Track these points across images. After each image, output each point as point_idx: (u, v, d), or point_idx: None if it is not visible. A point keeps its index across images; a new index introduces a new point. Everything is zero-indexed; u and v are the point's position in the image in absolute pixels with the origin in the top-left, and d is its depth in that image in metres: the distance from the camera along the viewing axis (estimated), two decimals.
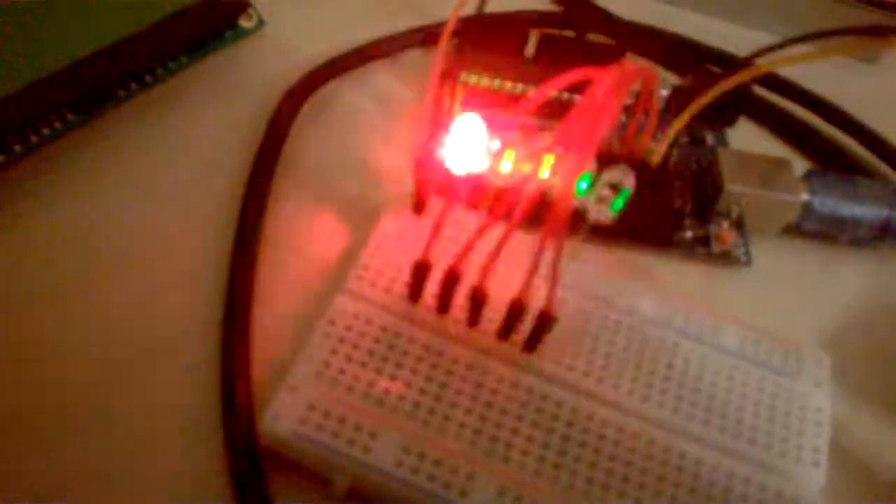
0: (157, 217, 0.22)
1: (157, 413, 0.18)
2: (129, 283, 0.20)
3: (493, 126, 0.19)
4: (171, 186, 0.23)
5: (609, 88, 0.16)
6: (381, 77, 0.27)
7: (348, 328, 0.19)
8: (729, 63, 0.28)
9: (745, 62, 0.25)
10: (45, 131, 0.22)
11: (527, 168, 0.18)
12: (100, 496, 0.17)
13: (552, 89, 0.17)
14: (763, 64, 0.24)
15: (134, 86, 0.24)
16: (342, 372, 0.18)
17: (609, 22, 0.29)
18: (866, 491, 0.19)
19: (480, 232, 0.17)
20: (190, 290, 0.20)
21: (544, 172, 0.19)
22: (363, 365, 0.18)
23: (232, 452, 0.18)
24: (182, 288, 0.20)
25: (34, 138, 0.22)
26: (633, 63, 0.17)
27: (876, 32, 0.27)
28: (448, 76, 0.24)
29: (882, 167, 0.27)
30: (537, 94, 0.16)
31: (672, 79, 0.27)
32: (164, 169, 0.23)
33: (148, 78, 0.24)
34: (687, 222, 0.23)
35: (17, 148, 0.22)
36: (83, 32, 0.22)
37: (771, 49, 0.26)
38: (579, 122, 0.16)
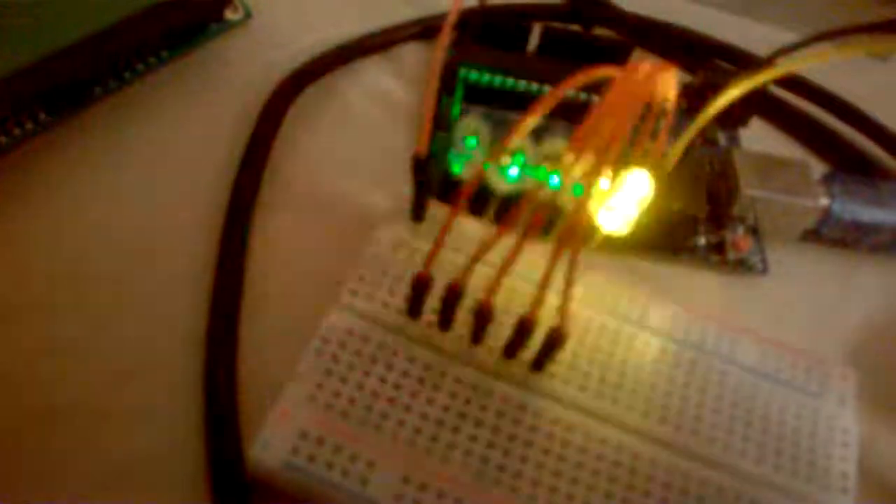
0: (137, 223, 0.20)
1: (135, 441, 0.17)
2: (103, 296, 0.19)
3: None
4: (152, 190, 0.21)
5: (631, 89, 0.14)
6: (375, 72, 0.25)
7: (343, 346, 0.17)
8: (740, 59, 0.27)
9: (765, 62, 0.24)
10: (17, 132, 0.21)
11: (539, 174, 0.17)
12: None
13: (565, 91, 0.15)
14: (782, 64, 0.23)
15: (112, 82, 0.22)
16: (337, 395, 0.17)
17: (616, 16, 0.27)
18: None
19: (487, 245, 0.16)
20: (170, 304, 0.19)
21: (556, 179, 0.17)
22: (359, 387, 0.17)
23: (217, 484, 0.16)
24: (162, 303, 0.19)
25: (4, 139, 0.20)
26: (649, 61, 0.16)
27: (892, 28, 0.26)
28: (448, 72, 0.23)
29: None
30: (551, 94, 0.15)
31: (682, 76, 0.26)
32: (144, 172, 0.21)
33: (127, 74, 0.23)
34: (700, 228, 0.22)
35: None
36: (56, 24, 0.21)
37: (788, 49, 0.25)
38: (599, 124, 0.14)
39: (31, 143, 0.21)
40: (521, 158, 0.17)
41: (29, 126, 0.21)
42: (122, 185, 0.21)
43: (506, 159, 0.17)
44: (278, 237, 0.20)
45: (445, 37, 0.18)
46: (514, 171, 0.18)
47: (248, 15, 0.25)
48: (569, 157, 0.15)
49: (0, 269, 0.19)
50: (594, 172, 0.15)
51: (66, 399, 0.17)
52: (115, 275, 0.19)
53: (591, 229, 0.18)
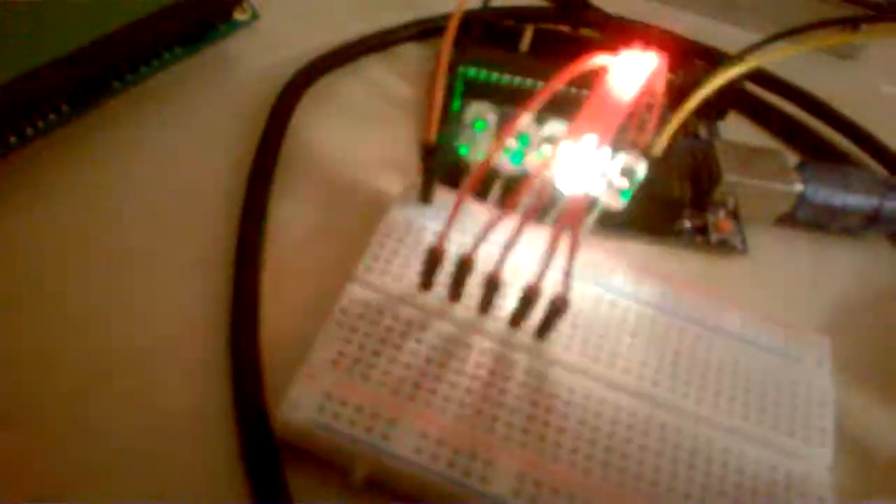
0: (157, 210, 0.21)
1: (167, 409, 0.18)
2: (131, 278, 0.20)
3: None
4: (171, 179, 0.22)
5: (625, 76, 0.16)
6: (377, 70, 0.27)
7: (361, 317, 0.19)
8: (715, 58, 0.29)
9: (737, 58, 0.26)
10: (40, 123, 0.22)
11: (540, 157, 0.18)
12: (108, 495, 0.17)
13: (565, 78, 0.17)
14: (752, 59, 0.25)
15: (128, 77, 0.23)
16: (357, 361, 0.18)
17: (601, 18, 0.29)
18: (871, 470, 0.20)
19: (494, 222, 0.17)
20: (195, 283, 0.20)
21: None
22: (377, 353, 0.18)
23: (247, 445, 0.17)
24: (186, 282, 0.20)
25: (29, 130, 0.21)
26: (640, 52, 0.17)
27: (848, 23, 0.28)
28: (448, 68, 0.24)
29: (864, 158, 0.27)
30: (551, 84, 0.17)
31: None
32: (162, 161, 0.23)
33: (143, 69, 0.24)
34: (685, 212, 0.24)
35: (13, 139, 0.21)
36: (78, 22, 0.22)
37: (759, 45, 0.27)
38: (596, 110, 0.16)
39: (52, 136, 0.22)
40: (525, 141, 0.18)
41: (53, 117, 0.22)
42: (141, 174, 0.22)
43: (511, 143, 0.18)
44: (296, 220, 0.22)
45: (452, 33, 0.20)
46: (517, 155, 0.19)
47: (255, 16, 0.26)
48: (570, 139, 0.16)
49: (27, 252, 0.20)
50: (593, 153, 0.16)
51: (98, 372, 0.18)
52: (141, 257, 0.20)
53: (589, 207, 0.19)
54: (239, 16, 0.26)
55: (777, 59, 0.26)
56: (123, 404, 0.18)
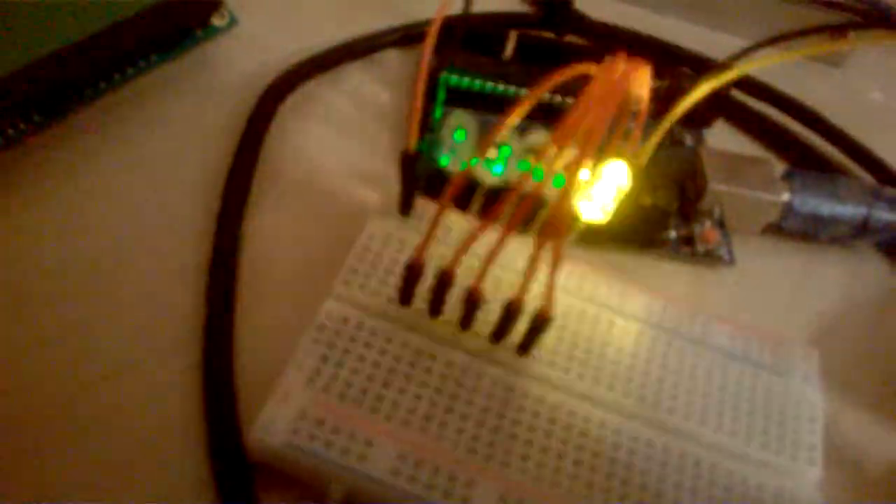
0: (131, 222, 0.21)
1: (136, 430, 0.17)
2: (101, 292, 0.19)
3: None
4: (144, 190, 0.22)
5: (610, 84, 0.15)
6: (357, 78, 0.26)
7: (338, 333, 0.18)
8: (704, 66, 0.28)
9: (723, 65, 0.25)
10: (10, 132, 0.21)
11: (523, 167, 0.18)
12: None
13: (548, 87, 0.16)
14: (738, 66, 0.25)
15: (102, 85, 0.23)
16: (334, 379, 0.17)
17: (586, 24, 0.28)
18: (861, 485, 0.19)
19: (476, 234, 0.17)
20: (167, 298, 0.19)
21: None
22: (355, 371, 0.18)
23: (219, 467, 0.17)
24: (159, 297, 0.19)
25: None
26: (625, 59, 0.17)
27: (834, 30, 0.27)
28: (429, 76, 0.24)
29: (852, 166, 0.27)
30: (534, 91, 0.16)
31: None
32: (135, 172, 0.22)
33: (117, 77, 0.23)
34: (671, 222, 0.23)
35: None
36: (49, 28, 0.21)
37: (745, 52, 0.26)
38: (580, 117, 0.15)
39: (24, 144, 0.21)
40: (507, 150, 0.18)
41: (22, 126, 0.21)
42: (113, 186, 0.22)
43: (492, 153, 0.18)
44: (272, 233, 0.21)
45: (432, 39, 0.19)
46: (499, 165, 0.19)
47: (233, 21, 0.26)
48: (552, 150, 0.16)
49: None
50: (576, 164, 0.16)
51: (66, 389, 0.18)
52: (112, 271, 0.20)
53: (573, 218, 0.19)
54: (217, 21, 0.25)
55: (764, 66, 0.25)
56: (89, 424, 0.17)
